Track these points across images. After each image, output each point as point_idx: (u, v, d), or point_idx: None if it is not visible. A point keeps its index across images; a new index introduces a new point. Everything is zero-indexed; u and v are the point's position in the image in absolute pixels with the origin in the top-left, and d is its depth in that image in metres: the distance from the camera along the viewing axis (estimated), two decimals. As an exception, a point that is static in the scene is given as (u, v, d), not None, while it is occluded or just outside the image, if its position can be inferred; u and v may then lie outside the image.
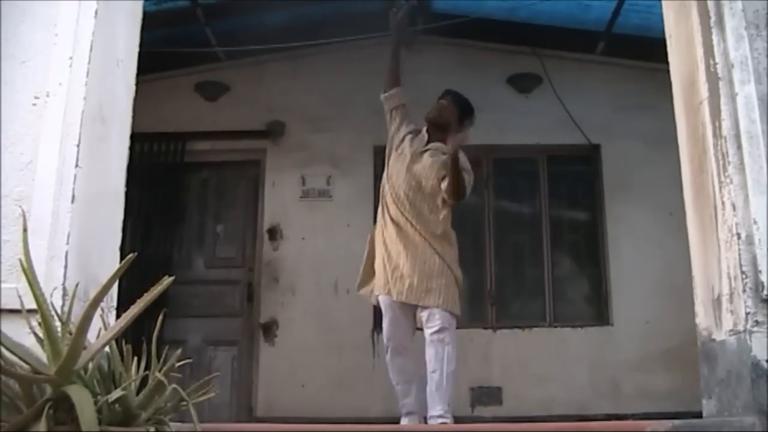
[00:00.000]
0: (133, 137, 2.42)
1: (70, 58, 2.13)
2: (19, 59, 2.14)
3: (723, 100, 2.13)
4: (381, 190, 3.75)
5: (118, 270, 1.50)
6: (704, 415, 2.16)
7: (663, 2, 2.60)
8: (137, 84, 2.44)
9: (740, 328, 1.99)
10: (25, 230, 1.74)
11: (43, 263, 1.90)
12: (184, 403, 1.54)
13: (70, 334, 1.45)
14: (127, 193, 2.35)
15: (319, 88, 5.80)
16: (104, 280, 1.50)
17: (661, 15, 2.62)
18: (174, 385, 1.52)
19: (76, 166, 2.05)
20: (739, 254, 2.01)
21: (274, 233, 5.72)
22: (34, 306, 1.48)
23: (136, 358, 1.60)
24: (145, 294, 1.47)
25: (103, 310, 1.82)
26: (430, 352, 3.38)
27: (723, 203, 2.10)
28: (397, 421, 3.50)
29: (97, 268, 2.11)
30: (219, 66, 5.94)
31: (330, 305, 5.38)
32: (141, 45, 2.49)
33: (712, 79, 2.18)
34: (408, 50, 5.81)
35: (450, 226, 3.62)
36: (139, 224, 5.53)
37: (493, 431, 2.86)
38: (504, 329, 5.51)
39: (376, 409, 4.76)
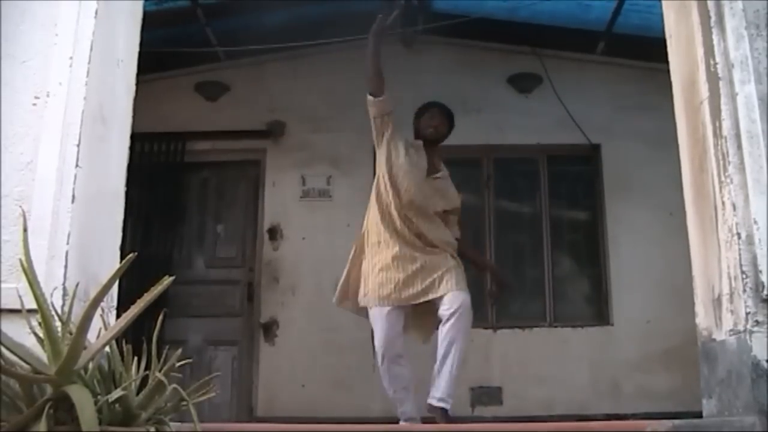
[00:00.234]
0: (133, 137, 2.42)
1: (71, 58, 2.13)
2: (19, 59, 2.14)
3: (723, 100, 2.13)
4: (380, 198, 3.64)
5: (119, 270, 1.50)
6: (704, 415, 2.16)
7: (663, 2, 2.60)
8: (137, 84, 2.44)
9: (740, 328, 1.99)
10: (25, 230, 1.74)
11: (43, 263, 1.90)
12: (185, 403, 1.54)
13: (71, 334, 1.45)
14: (127, 193, 2.35)
15: (320, 88, 5.80)
16: (104, 280, 1.50)
17: (661, 15, 2.62)
18: (174, 385, 1.52)
19: (77, 166, 2.05)
20: (740, 254, 2.01)
21: (274, 233, 5.72)
22: (34, 306, 1.48)
23: (136, 358, 1.60)
24: (145, 294, 1.47)
25: (103, 310, 1.82)
26: (446, 332, 3.37)
27: (723, 203, 2.10)
28: (397, 422, 3.49)
29: (97, 268, 2.11)
30: (219, 66, 5.94)
31: (330, 305, 5.29)
32: (141, 45, 2.48)
33: (713, 79, 2.18)
34: (408, 50, 5.86)
35: None
36: (139, 224, 5.53)
37: (493, 431, 2.86)
38: (504, 329, 5.51)
39: (376, 409, 4.76)
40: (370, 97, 3.61)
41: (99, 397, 1.43)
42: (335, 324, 5.32)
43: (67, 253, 1.98)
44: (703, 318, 2.24)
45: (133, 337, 1.65)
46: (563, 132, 5.70)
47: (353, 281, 3.67)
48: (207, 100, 5.96)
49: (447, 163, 3.88)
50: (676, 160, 2.46)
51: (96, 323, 1.55)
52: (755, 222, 2.01)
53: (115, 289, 2.12)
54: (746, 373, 1.93)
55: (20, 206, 1.98)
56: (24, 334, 1.52)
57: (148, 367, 1.57)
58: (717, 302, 2.13)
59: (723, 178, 2.11)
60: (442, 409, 3.32)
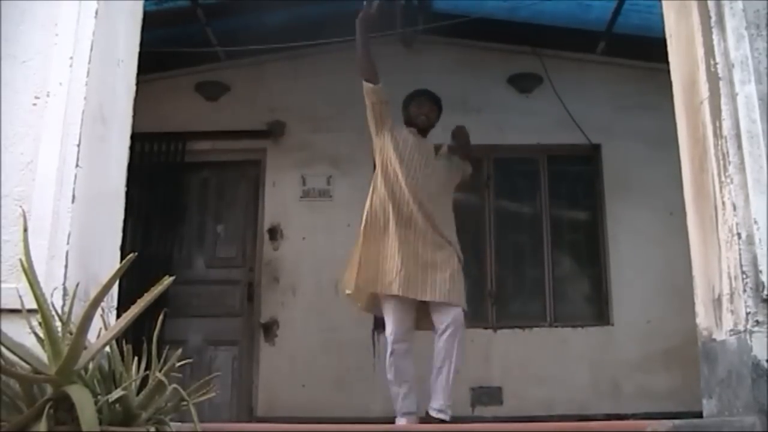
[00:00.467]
0: (134, 137, 2.42)
1: (71, 57, 2.13)
2: (20, 59, 2.14)
3: (723, 100, 2.13)
4: (381, 188, 3.68)
5: (119, 270, 1.50)
6: (705, 415, 2.16)
7: (663, 2, 2.60)
8: (137, 84, 2.44)
9: (741, 327, 1.99)
10: (25, 230, 1.74)
11: (43, 263, 1.90)
12: (185, 403, 1.54)
13: (71, 334, 1.45)
14: (127, 193, 2.35)
15: (320, 88, 5.80)
16: (104, 280, 1.50)
17: (661, 15, 2.62)
18: (174, 385, 1.52)
19: (77, 166, 2.05)
20: (740, 254, 2.01)
21: (274, 233, 5.72)
22: (34, 306, 1.48)
23: (136, 358, 1.60)
24: (146, 294, 1.47)
25: (103, 310, 1.82)
26: (441, 346, 3.45)
27: (723, 203, 2.10)
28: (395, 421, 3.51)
29: (97, 268, 2.11)
30: (219, 66, 5.94)
31: (330, 305, 5.37)
32: (141, 45, 2.48)
33: (713, 78, 2.18)
34: (408, 50, 5.86)
35: None
36: (140, 224, 5.53)
37: (493, 431, 2.86)
38: (504, 329, 5.51)
39: (376, 409, 4.76)
40: (368, 84, 3.63)
41: (99, 397, 1.43)
42: (335, 324, 5.32)
43: (67, 253, 1.98)
44: (703, 318, 2.24)
45: (134, 337, 1.66)
46: (563, 132, 5.70)
47: (363, 267, 3.61)
48: (207, 100, 5.96)
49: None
50: (676, 160, 2.46)
51: (96, 323, 1.55)
52: (755, 222, 2.01)
53: (115, 289, 2.12)
54: (746, 373, 1.93)
55: (20, 206, 1.98)
56: (24, 334, 1.52)
57: (148, 367, 1.57)
58: (717, 302, 2.13)
59: (723, 178, 2.11)
60: (442, 420, 3.39)
